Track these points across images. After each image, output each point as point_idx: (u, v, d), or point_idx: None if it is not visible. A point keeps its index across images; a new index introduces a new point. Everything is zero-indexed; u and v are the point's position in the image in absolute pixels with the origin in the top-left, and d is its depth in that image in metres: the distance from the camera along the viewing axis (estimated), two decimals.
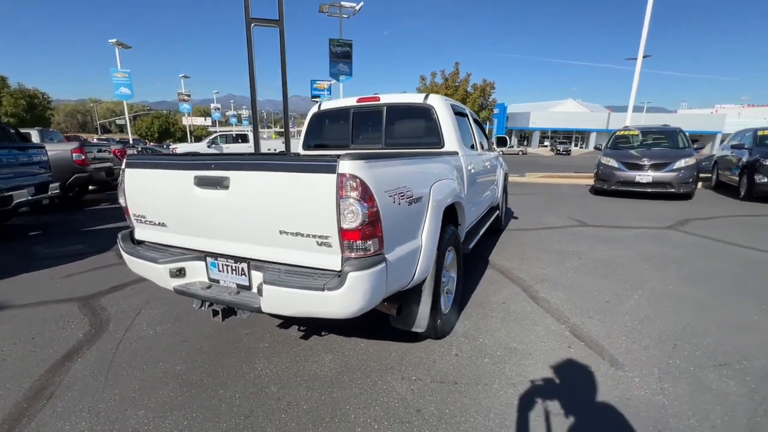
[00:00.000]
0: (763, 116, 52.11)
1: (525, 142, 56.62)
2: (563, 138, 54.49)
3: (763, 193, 7.58)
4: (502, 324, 2.79)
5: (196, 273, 2.06)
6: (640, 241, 4.97)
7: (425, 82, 30.34)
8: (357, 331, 2.67)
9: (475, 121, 4.28)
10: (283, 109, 8.71)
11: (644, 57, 14.13)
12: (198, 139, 47.01)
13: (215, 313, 2.04)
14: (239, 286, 1.95)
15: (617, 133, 10.17)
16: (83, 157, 7.89)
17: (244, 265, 1.90)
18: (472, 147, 3.77)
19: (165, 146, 23.50)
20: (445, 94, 27.51)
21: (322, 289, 1.58)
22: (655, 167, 8.07)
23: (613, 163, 8.56)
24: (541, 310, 3.00)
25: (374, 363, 2.32)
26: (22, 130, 8.17)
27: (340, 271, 1.63)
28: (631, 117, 14.88)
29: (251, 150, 16.82)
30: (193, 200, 1.92)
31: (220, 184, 1.81)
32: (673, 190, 7.94)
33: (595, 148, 13.35)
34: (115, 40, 22.42)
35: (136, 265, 2.18)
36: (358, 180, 1.55)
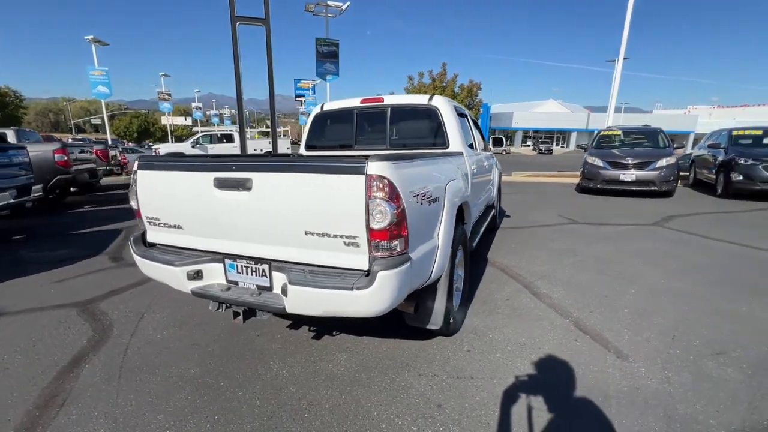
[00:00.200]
0: (732, 117, 54.54)
1: (509, 142, 57.55)
2: (545, 138, 55.65)
3: (738, 191, 7.96)
4: (509, 320, 2.86)
5: (214, 275, 2.05)
6: (629, 238, 5.15)
7: (413, 83, 30.49)
8: (368, 330, 2.70)
9: (473, 121, 4.36)
10: (270, 109, 8.63)
11: (624, 59, 14.59)
12: (179, 139, 45.86)
13: (236, 314, 2.03)
14: (259, 287, 1.95)
15: (601, 133, 10.49)
16: (66, 158, 7.63)
17: (265, 267, 1.90)
18: (471, 147, 3.84)
19: (146, 146, 22.81)
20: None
21: (352, 289, 1.60)
22: (639, 166, 8.37)
23: (598, 162, 8.82)
24: (544, 306, 3.09)
25: (389, 361, 2.36)
26: None
27: (368, 270, 1.65)
28: (610, 117, 15.35)
29: (237, 150, 16.55)
30: (212, 202, 1.91)
31: (243, 185, 1.81)
32: (655, 188, 8.25)
33: (580, 147, 13.72)
34: (91, 36, 21.66)
35: (151, 268, 2.15)
36: (386, 181, 1.58)
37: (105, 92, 21.96)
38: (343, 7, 18.38)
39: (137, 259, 2.21)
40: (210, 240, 2.03)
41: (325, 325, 2.78)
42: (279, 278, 1.87)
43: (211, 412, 1.93)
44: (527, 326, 2.76)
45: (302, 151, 3.78)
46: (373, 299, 1.62)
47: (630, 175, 8.36)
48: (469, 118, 4.08)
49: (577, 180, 10.17)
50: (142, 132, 51.95)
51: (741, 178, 7.83)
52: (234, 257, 1.98)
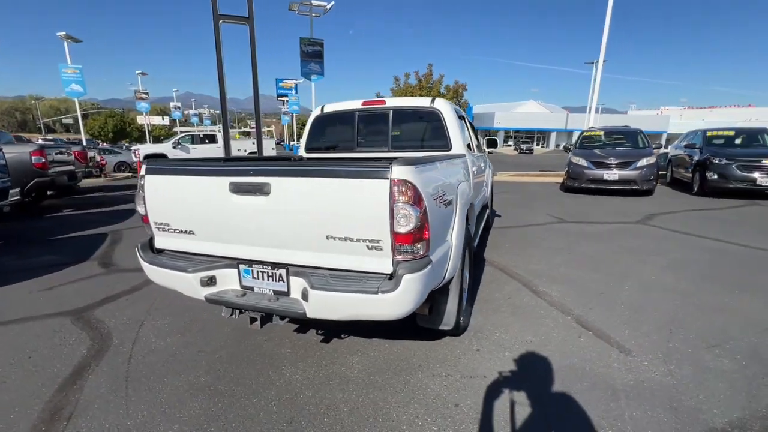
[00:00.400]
0: (701, 117, 56.94)
1: None
2: (526, 137, 56.74)
3: (714, 189, 8.34)
4: (513, 318, 2.92)
5: (228, 281, 2.02)
6: (616, 236, 5.33)
7: (399, 83, 30.53)
8: (376, 333, 2.71)
9: (470, 123, 4.42)
10: (255, 109, 8.49)
11: (603, 61, 15.05)
12: (157, 139, 44.52)
13: (252, 320, 2.00)
14: (276, 292, 1.93)
15: (584, 134, 10.80)
16: (44, 160, 7.32)
17: (282, 271, 1.89)
18: (470, 148, 3.90)
19: (123, 147, 22.02)
20: (419, 95, 27.79)
21: (377, 293, 1.61)
22: (621, 166, 8.66)
23: (583, 162, 9.08)
24: (545, 304, 3.17)
25: (402, 362, 2.37)
26: None
27: (391, 274, 1.66)
28: (592, 118, 15.83)
29: (220, 151, 16.22)
30: (227, 207, 1.88)
31: (260, 190, 1.79)
32: (637, 187, 8.55)
33: (565, 149, 14.09)
34: (63, 33, 20.83)
35: (160, 275, 2.09)
36: (410, 185, 1.59)
37: (78, 90, 21.15)
38: (328, 7, 18.29)
39: (145, 266, 2.15)
40: (224, 245, 1.99)
41: (333, 328, 2.77)
42: (297, 283, 1.86)
43: (227, 420, 1.90)
44: (531, 324, 2.82)
45: (302, 153, 3.76)
46: (397, 302, 1.64)
47: (613, 174, 8.64)
48: (466, 119, 4.14)
49: (559, 179, 10.45)
50: (118, 132, 50.15)
51: (716, 177, 8.21)
52: (249, 262, 1.96)
